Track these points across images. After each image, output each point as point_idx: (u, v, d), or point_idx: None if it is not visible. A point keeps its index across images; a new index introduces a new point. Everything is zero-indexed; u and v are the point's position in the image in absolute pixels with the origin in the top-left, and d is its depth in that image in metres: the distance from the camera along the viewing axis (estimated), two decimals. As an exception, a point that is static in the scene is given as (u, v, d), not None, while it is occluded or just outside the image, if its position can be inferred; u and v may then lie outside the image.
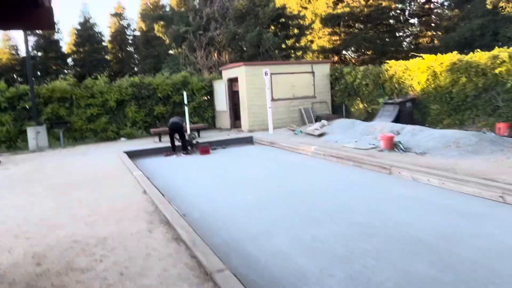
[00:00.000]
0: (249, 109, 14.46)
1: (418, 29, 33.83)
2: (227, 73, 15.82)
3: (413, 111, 12.02)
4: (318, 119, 15.02)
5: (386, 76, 13.03)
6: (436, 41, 31.41)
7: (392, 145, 8.77)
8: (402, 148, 8.64)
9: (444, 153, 7.92)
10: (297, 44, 22.70)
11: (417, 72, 12.08)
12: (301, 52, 22.57)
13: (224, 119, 16.34)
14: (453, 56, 11.23)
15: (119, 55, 48.09)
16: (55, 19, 3.78)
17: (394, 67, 12.99)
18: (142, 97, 15.58)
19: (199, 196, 6.64)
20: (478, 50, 11.05)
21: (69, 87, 14.47)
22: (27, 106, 13.79)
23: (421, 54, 12.16)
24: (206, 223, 5.26)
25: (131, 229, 4.74)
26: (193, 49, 20.67)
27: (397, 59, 22.07)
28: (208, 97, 16.66)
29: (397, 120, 11.52)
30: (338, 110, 16.00)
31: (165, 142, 12.93)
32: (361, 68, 14.46)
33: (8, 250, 4.30)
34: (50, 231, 4.84)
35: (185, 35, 20.31)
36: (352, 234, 4.59)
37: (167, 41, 23.86)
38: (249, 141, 12.81)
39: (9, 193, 7.05)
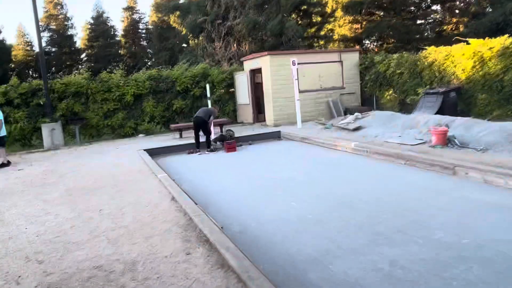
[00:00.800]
0: (274, 102, 13.54)
1: (440, 15, 32.19)
2: (249, 64, 14.90)
3: (457, 101, 10.94)
4: (347, 111, 14.04)
5: (425, 63, 11.93)
6: (461, 28, 29.89)
7: (446, 140, 7.77)
8: (458, 143, 7.64)
9: (510, 149, 6.90)
10: (319, 33, 21.54)
11: (461, 59, 10.98)
12: (323, 41, 21.43)
13: (246, 112, 15.45)
14: (505, 40, 10.10)
15: (133, 49, 47.55)
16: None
17: (433, 53, 11.88)
18: (160, 91, 14.80)
19: (235, 203, 5.78)
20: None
21: (84, 81, 13.74)
22: (41, 102, 13.12)
23: (467, 39, 11.03)
24: (251, 239, 4.40)
25: (163, 250, 3.90)
26: (211, 40, 19.76)
27: (419, 48, 20.85)
28: (231, 89, 15.76)
29: (440, 111, 10.47)
30: (368, 101, 14.97)
31: (186, 138, 12.13)
32: (395, 55, 13.38)
33: (16, 281, 3.49)
34: (67, 252, 4.02)
35: (203, 25, 19.40)
36: (439, 257, 3.66)
37: (183, 32, 23.00)
38: (276, 136, 11.90)
39: (21, 200, 6.29)
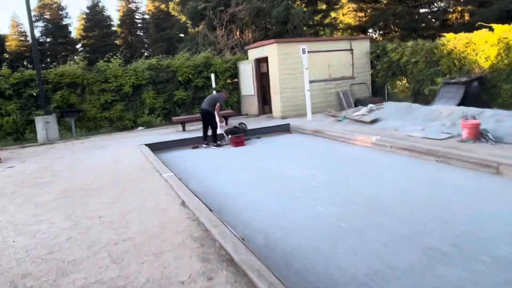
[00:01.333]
0: (281, 93, 12.81)
1: (445, 3, 31.23)
2: (254, 53, 14.13)
3: (479, 92, 10.26)
4: (357, 103, 13.35)
5: (444, 51, 11.21)
6: (466, 17, 29.09)
7: (478, 135, 7.10)
8: (492, 138, 6.96)
9: (553, 144, 6.25)
10: (324, 21, 20.71)
11: (484, 46, 10.27)
12: (329, 29, 20.63)
13: (251, 104, 14.73)
14: (534, 25, 9.41)
15: (129, 39, 46.59)
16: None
17: (452, 41, 11.16)
18: (161, 81, 14.03)
19: (252, 207, 5.11)
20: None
21: (80, 71, 12.95)
22: (34, 93, 12.32)
23: (491, 25, 10.30)
24: (279, 254, 3.73)
25: (179, 272, 3.22)
26: (212, 28, 18.92)
27: (425, 37, 20.08)
28: (235, 80, 15.00)
29: (462, 102, 9.80)
30: (379, 92, 14.28)
31: (190, 132, 11.44)
32: (410, 43, 12.65)
33: (-2, 316, 2.81)
34: (63, 275, 3.34)
35: (204, 12, 18.54)
36: (518, 281, 3.01)
37: (183, 20, 22.11)
38: (285, 129, 11.20)
39: (11, 203, 5.59)
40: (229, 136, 9.76)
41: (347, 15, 26.36)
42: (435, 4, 31.34)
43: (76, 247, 3.91)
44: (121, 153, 8.87)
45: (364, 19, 26.62)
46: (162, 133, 11.79)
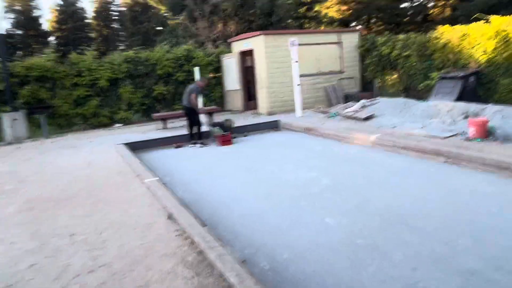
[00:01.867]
0: (268, 88, 12.15)
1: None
2: (239, 45, 13.41)
3: (476, 86, 9.86)
4: (347, 98, 12.83)
5: (439, 44, 10.76)
6: (448, 11, 29.07)
7: (486, 133, 6.63)
8: (500, 136, 6.50)
9: None
10: (309, 14, 20.09)
11: (481, 39, 9.86)
12: (314, 22, 20.04)
13: (235, 99, 14.01)
14: (533, 17, 9.03)
15: (104, 32, 44.97)
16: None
17: (446, 34, 10.73)
18: (139, 75, 13.15)
19: (250, 219, 4.44)
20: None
21: (50, 63, 11.93)
22: (-1, 88, 11.26)
23: (490, 16, 9.89)
24: (291, 283, 3.09)
25: (172, 316, 2.54)
26: (193, 19, 18.03)
27: (408, 31, 19.76)
28: (218, 74, 14.25)
29: (459, 98, 9.38)
30: (368, 87, 13.80)
31: (172, 129, 10.67)
32: (401, 36, 12.19)
33: None
34: (20, 322, 2.61)
35: (185, 2, 17.63)
36: None
37: (162, 10, 21.09)
38: (274, 126, 10.57)
39: (-35, 217, 4.75)
40: (216, 128, 9.04)
41: (330, 8, 25.84)
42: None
43: (41, 278, 3.16)
44: (96, 154, 8.04)
45: (347, 12, 26.17)
46: (141, 131, 10.96)
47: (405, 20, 26.88)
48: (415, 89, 11.97)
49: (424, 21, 28.02)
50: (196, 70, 10.32)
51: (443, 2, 30.76)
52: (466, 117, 8.09)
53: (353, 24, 27.49)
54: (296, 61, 10.76)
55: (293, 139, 8.99)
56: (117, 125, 12.88)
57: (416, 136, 7.35)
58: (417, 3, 31.71)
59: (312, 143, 8.31)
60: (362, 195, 4.92)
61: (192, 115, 8.90)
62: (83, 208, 4.75)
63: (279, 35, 12.18)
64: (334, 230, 4.00)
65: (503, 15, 10.39)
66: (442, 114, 8.44)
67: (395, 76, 12.63)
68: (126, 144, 8.78)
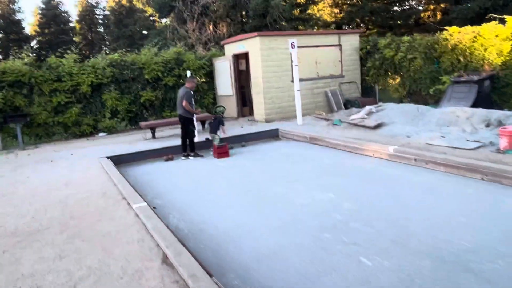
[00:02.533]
0: (265, 93, 11.29)
1: (415, 2, 30.69)
2: (232, 48, 12.55)
3: (491, 91, 9.17)
4: (348, 104, 12.06)
5: (449, 47, 10.05)
6: (438, 15, 28.78)
7: (521, 144, 5.87)
8: (538, 148, 5.75)
9: None
10: (303, 15, 19.35)
11: (495, 41, 9.19)
12: (308, 25, 19.30)
13: (228, 105, 13.05)
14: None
15: (89, 36, 43.76)
16: None
17: (457, 35, 10.04)
18: (125, 80, 12.16)
19: (268, 263, 3.54)
20: None
21: (26, 67, 10.87)
22: (-32, 95, 10.18)
23: (504, 16, 9.23)
24: None
25: None
26: (182, 21, 17.10)
27: (401, 35, 19.22)
28: (210, 78, 13.37)
29: (474, 104, 8.67)
30: (369, 92, 13.07)
31: (161, 139, 9.75)
32: (406, 38, 11.46)
33: None
34: None
35: (173, 3, 16.69)
36: None
37: (149, 12, 20.11)
38: (273, 135, 9.71)
39: None
40: (218, 135, 8.22)
41: (322, 11, 25.22)
42: (407, 3, 30.80)
43: None
44: (76, 170, 7.06)
45: (339, 15, 25.58)
46: (127, 141, 9.99)
47: (399, 23, 26.40)
48: (420, 94, 11.27)
49: (417, 25, 27.64)
50: (189, 74, 9.41)
51: (433, 7, 30.43)
52: (488, 125, 7.38)
53: (345, 27, 26.90)
54: (296, 65, 9.94)
55: (297, 150, 8.13)
56: (101, 134, 11.87)
57: (438, 147, 6.56)
58: (408, 6, 31.35)
59: (320, 155, 7.46)
60: (399, 225, 4.07)
61: (187, 125, 8.02)
62: (54, 248, 3.80)
63: (276, 37, 11.35)
64: (376, 277, 3.13)
65: (495, 19, 9.75)
66: (460, 121, 7.69)
67: (398, 80, 11.91)
68: (111, 157, 7.83)
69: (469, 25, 10.10)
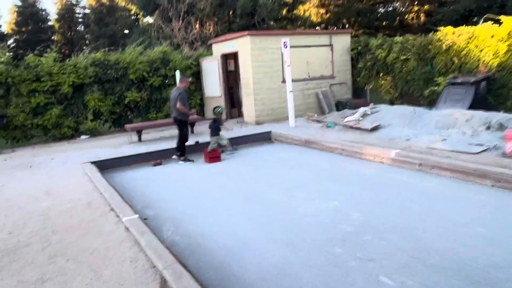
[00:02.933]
0: (255, 95, 10.95)
1: (399, 4, 30.81)
2: (220, 47, 12.16)
3: (487, 93, 9.03)
4: (339, 105, 11.82)
5: (443, 47, 9.89)
6: (422, 17, 29.00)
7: (528, 148, 5.68)
8: (545, 152, 5.56)
9: None
10: (289, 15, 19.07)
11: (491, 41, 9.05)
12: (297, 24, 19.02)
13: (216, 107, 12.69)
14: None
15: (68, 35, 42.61)
16: None
17: (451, 35, 9.89)
18: (108, 80, 11.62)
19: (276, 281, 3.19)
20: None
21: (2, 66, 10.25)
22: None
23: (500, 17, 9.09)
24: None
25: None
26: (168, 19, 16.59)
27: (388, 35, 19.21)
28: (197, 78, 12.93)
29: (471, 106, 8.51)
30: (360, 93, 12.86)
31: (148, 142, 9.30)
32: (399, 38, 11.28)
33: None
34: None
35: (158, 1, 16.15)
36: None
37: (133, 11, 19.54)
38: (265, 138, 9.36)
39: None
40: (226, 138, 8.06)
41: (308, 11, 25.03)
42: (391, 4, 30.89)
43: None
44: (58, 177, 6.57)
45: (326, 16, 25.45)
46: (112, 145, 9.48)
47: (384, 24, 26.43)
48: (412, 95, 11.10)
49: (402, 26, 27.77)
50: (177, 74, 8.98)
51: (416, 8, 30.62)
52: (489, 127, 7.19)
53: (332, 28, 26.79)
54: (289, 65, 9.63)
55: (292, 154, 7.80)
56: (83, 137, 11.31)
57: (440, 151, 6.33)
58: (392, 8, 31.44)
59: (316, 159, 7.15)
60: (414, 237, 3.77)
61: (181, 128, 7.64)
62: (35, 269, 3.37)
63: (267, 36, 11.03)
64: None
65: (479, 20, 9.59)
66: (460, 124, 7.50)
67: (390, 81, 11.72)
68: (95, 162, 7.35)
69: (463, 26, 9.97)
